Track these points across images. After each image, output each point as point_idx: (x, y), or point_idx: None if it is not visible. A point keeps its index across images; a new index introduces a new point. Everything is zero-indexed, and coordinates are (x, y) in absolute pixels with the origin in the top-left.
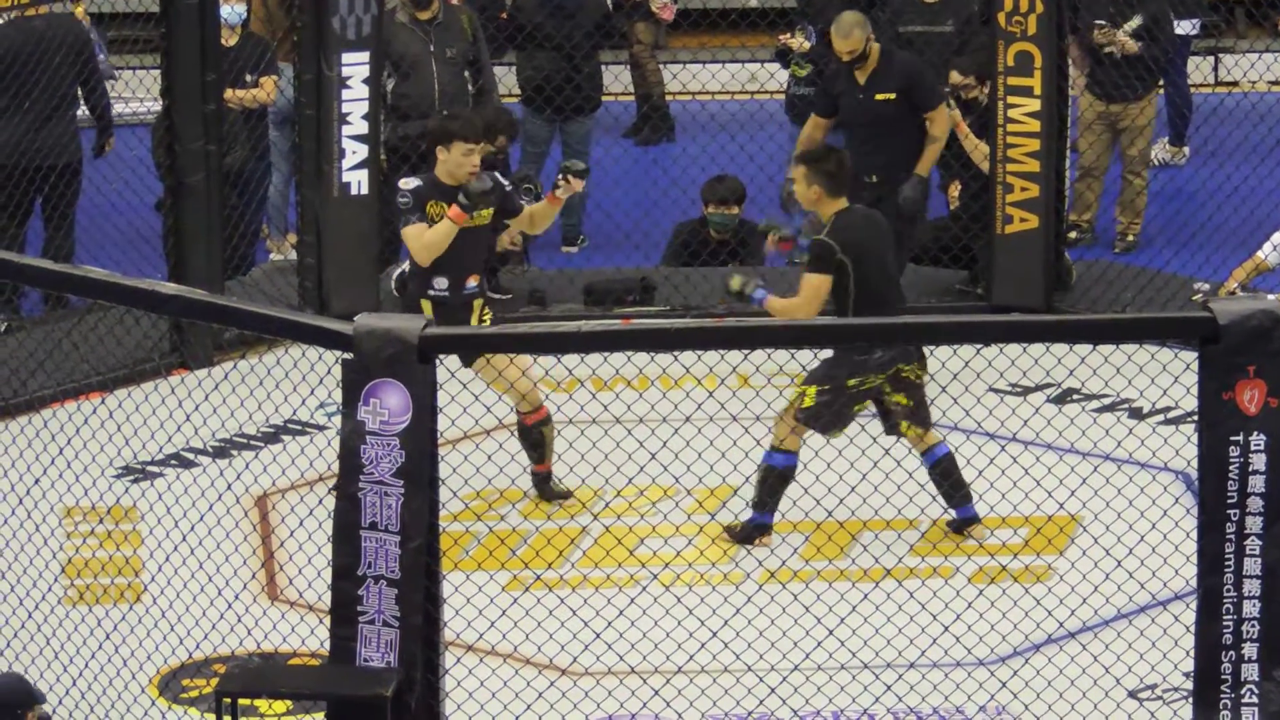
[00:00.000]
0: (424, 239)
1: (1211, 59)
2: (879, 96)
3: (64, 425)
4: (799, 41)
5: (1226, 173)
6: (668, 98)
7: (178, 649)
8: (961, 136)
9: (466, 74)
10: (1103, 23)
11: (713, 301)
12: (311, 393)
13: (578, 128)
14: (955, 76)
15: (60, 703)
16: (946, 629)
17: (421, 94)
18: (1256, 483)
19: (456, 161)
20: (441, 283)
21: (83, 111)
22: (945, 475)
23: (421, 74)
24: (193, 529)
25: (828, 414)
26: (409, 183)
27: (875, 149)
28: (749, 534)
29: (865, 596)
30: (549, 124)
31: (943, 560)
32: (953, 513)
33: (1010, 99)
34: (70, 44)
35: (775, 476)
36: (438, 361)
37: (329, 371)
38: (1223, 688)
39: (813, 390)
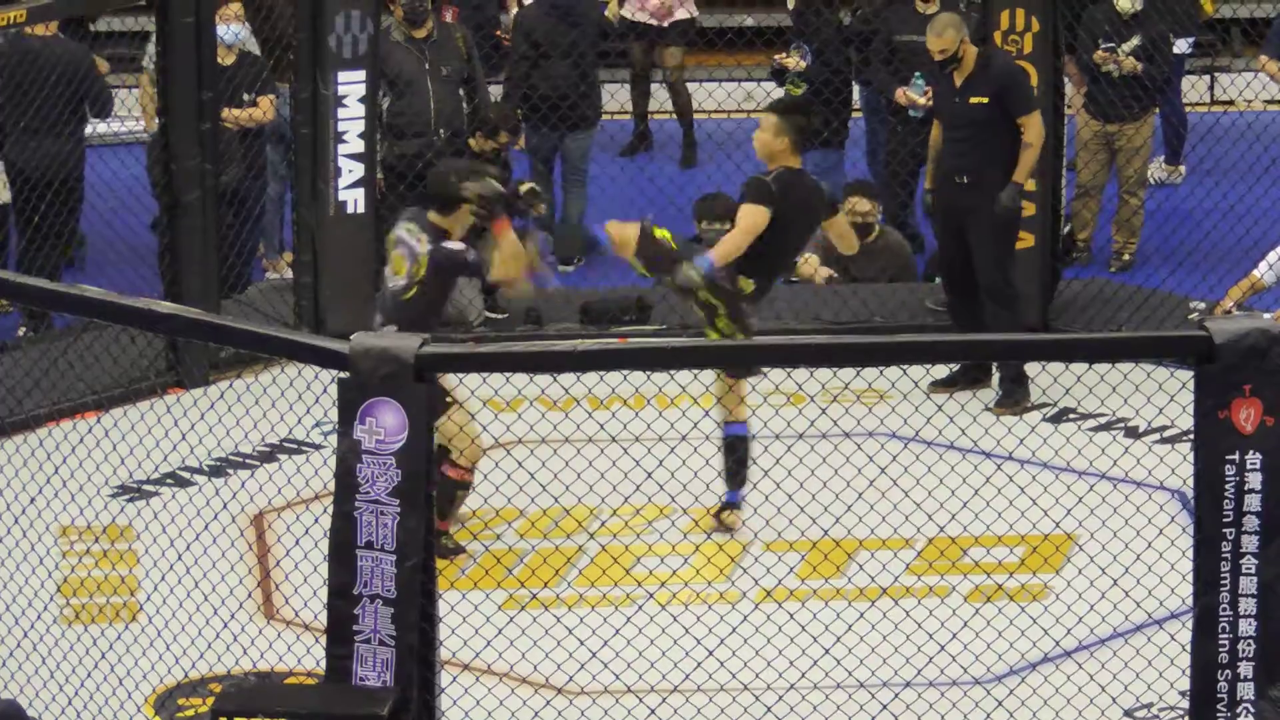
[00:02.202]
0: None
1: (1208, 78)
2: (973, 100)
3: (59, 444)
4: (795, 61)
5: (1223, 191)
6: (657, 117)
7: (174, 668)
8: None
9: (461, 92)
10: (1111, 44)
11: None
12: (308, 411)
13: (578, 143)
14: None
15: None
16: (943, 648)
17: (418, 112)
18: (1252, 501)
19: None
20: None
21: (90, 129)
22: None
23: (417, 92)
24: (188, 548)
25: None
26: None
27: (968, 151)
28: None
29: (861, 615)
30: (548, 139)
31: (939, 579)
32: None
33: None
34: (68, 64)
35: (744, 445)
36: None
37: (325, 390)
38: (1219, 707)
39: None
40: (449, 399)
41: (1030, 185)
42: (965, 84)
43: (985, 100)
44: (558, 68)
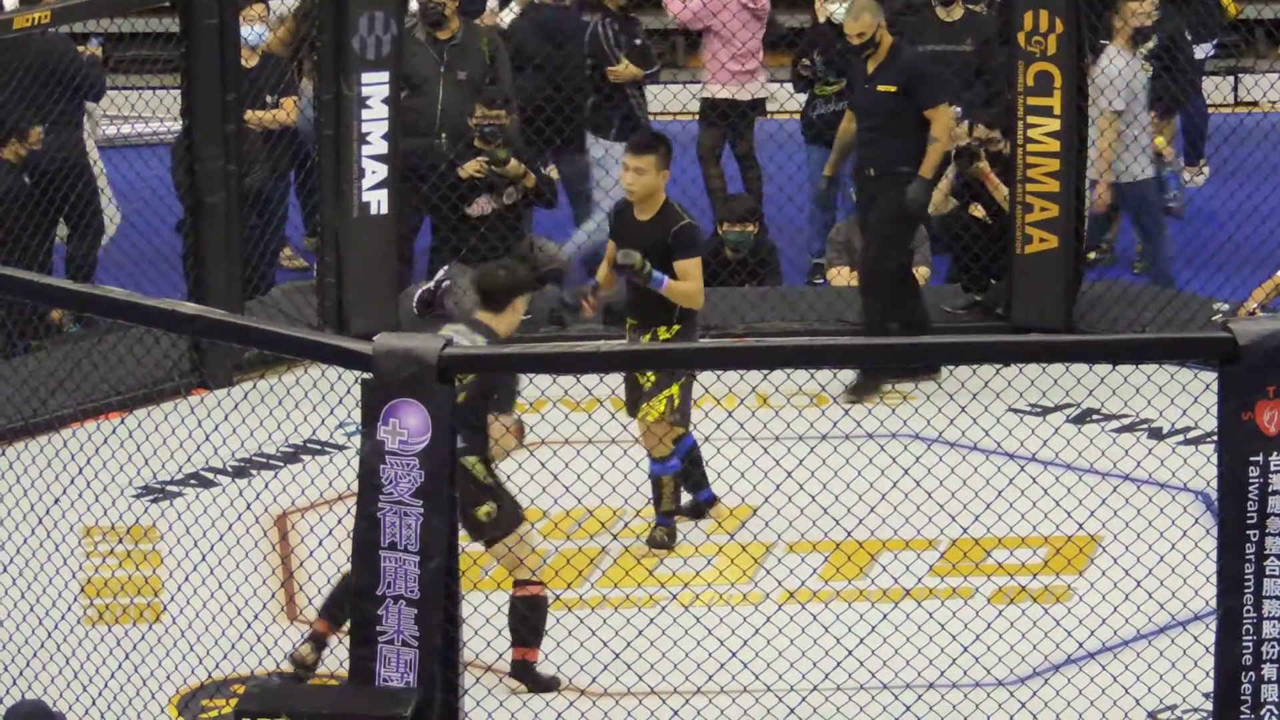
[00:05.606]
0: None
1: (1231, 79)
2: (880, 88)
3: (84, 445)
4: (816, 66)
5: (1246, 192)
6: (681, 118)
7: (197, 669)
8: (992, 188)
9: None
10: None
11: (733, 321)
12: (331, 412)
13: (569, 167)
14: (981, 130)
15: None
16: (965, 649)
17: (424, 112)
18: (1276, 503)
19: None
20: None
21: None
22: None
23: (428, 93)
24: (212, 548)
25: (687, 406)
26: None
27: (874, 141)
28: (699, 510)
29: (884, 617)
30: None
31: (962, 580)
32: (691, 496)
33: (1030, 119)
34: (52, 53)
35: (688, 462)
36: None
37: (348, 391)
38: (1242, 709)
39: (675, 389)
40: (523, 513)
41: (1053, 186)
42: (876, 71)
43: (893, 90)
44: (536, 83)
